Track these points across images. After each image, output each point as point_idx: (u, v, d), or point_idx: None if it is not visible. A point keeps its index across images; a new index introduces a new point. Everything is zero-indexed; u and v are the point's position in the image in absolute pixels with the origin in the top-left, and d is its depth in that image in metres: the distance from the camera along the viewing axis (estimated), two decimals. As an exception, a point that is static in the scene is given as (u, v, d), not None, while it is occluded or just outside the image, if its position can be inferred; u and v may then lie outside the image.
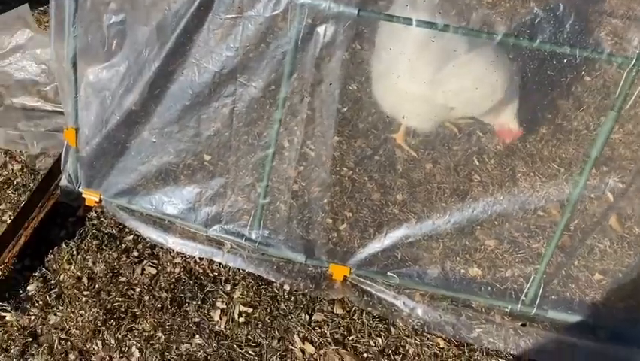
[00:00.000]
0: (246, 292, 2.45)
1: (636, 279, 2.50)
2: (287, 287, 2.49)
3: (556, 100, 3.11)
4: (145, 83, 2.31)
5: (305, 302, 2.45)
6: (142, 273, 2.50)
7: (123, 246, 2.57)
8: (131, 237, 2.60)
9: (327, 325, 2.40)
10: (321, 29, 2.02)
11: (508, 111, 2.67)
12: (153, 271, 2.50)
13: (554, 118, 3.05)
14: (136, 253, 2.55)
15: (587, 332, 2.35)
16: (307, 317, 2.41)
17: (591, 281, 2.50)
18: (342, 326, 2.39)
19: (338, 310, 2.44)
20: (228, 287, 2.47)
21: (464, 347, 2.33)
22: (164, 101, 2.36)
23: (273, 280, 2.49)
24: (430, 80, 2.53)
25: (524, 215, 2.65)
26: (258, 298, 2.45)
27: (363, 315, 2.42)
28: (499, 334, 2.35)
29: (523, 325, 2.37)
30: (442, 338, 2.36)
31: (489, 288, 2.47)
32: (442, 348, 2.34)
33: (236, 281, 2.48)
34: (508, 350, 2.31)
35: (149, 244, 2.57)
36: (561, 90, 3.10)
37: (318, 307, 2.45)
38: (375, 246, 2.48)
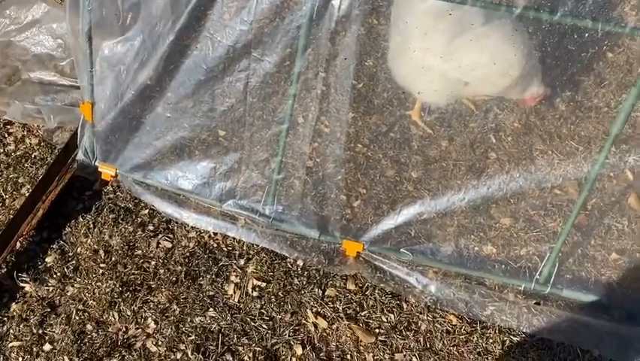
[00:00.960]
0: (259, 267, 2.47)
1: (654, 259, 2.47)
2: (300, 263, 2.50)
3: (577, 76, 3.04)
4: (159, 57, 2.31)
5: (318, 278, 2.47)
6: (157, 247, 2.53)
7: (139, 220, 2.60)
8: (146, 211, 2.63)
9: (340, 300, 2.41)
10: (336, 2, 1.99)
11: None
12: (168, 245, 2.53)
13: (574, 95, 2.99)
14: (151, 227, 2.58)
15: (602, 312, 2.34)
16: (320, 292, 2.43)
17: (607, 261, 2.47)
18: (355, 302, 2.41)
19: (351, 286, 2.45)
20: (242, 262, 2.49)
21: (477, 324, 2.34)
22: (178, 76, 2.36)
23: (287, 255, 2.51)
24: (445, 54, 2.49)
25: (541, 193, 2.62)
26: (271, 273, 2.47)
27: (376, 291, 2.43)
28: (513, 312, 2.35)
29: (537, 303, 2.36)
30: (454, 315, 2.37)
31: (503, 266, 2.45)
32: (455, 325, 2.34)
33: (250, 256, 2.51)
34: (522, 328, 2.31)
35: (164, 219, 2.60)
36: (582, 66, 3.02)
37: (330, 282, 2.46)
38: (388, 223, 2.48)
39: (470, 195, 2.51)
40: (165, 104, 2.48)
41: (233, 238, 2.54)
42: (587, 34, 1.83)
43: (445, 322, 2.35)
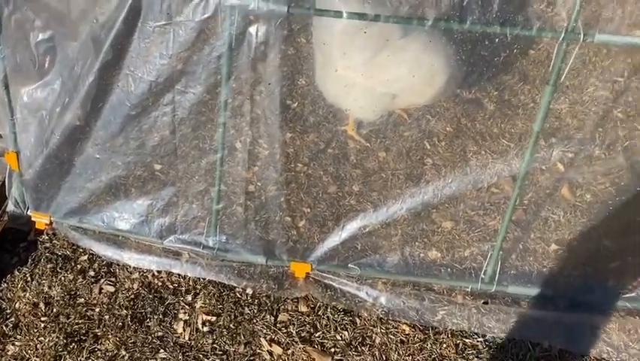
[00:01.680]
0: (208, 301, 2.43)
1: (590, 246, 2.55)
2: (249, 291, 2.47)
3: (502, 76, 3.14)
4: (81, 98, 2.25)
5: (269, 304, 2.44)
6: (100, 292, 2.45)
7: (78, 266, 2.52)
8: (85, 257, 2.55)
9: (293, 324, 2.39)
10: (253, 29, 1.99)
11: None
12: (111, 289, 2.45)
13: (501, 94, 3.08)
14: (92, 273, 2.50)
15: (548, 303, 2.40)
16: (272, 318, 2.40)
17: (548, 252, 2.54)
18: (308, 324, 2.39)
19: (303, 308, 2.44)
20: (189, 297, 2.44)
21: (429, 330, 2.36)
22: (103, 115, 2.30)
23: (235, 285, 2.47)
24: (367, 70, 2.53)
25: (478, 193, 2.68)
26: (220, 306, 2.43)
27: (328, 310, 2.43)
28: (463, 314, 2.39)
29: (485, 303, 2.41)
30: (407, 323, 2.38)
31: (449, 269, 2.49)
32: (408, 334, 2.36)
33: (198, 290, 2.46)
34: (473, 329, 2.35)
35: (104, 262, 2.52)
36: (505, 66, 3.13)
37: (282, 307, 2.44)
38: (334, 239, 2.48)
39: (410, 202, 2.54)
40: (94, 145, 2.42)
41: (179, 274, 2.49)
42: (497, 39, 1.89)
43: (398, 332, 2.36)
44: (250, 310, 2.41)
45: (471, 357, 2.29)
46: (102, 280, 2.47)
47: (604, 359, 2.29)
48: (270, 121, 2.27)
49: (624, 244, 2.55)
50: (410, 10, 1.91)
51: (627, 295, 2.41)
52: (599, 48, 3.19)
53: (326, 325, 2.39)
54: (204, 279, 2.48)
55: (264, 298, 2.45)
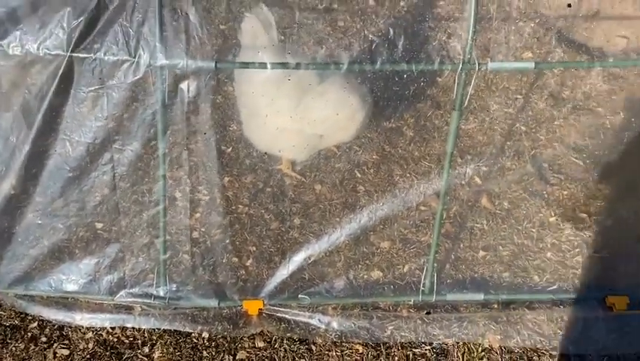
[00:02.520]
0: (165, 350, 2.46)
1: (514, 248, 2.82)
2: (205, 335, 2.53)
3: (417, 104, 3.42)
4: (18, 168, 2.29)
5: (226, 344, 2.51)
6: (54, 357, 2.43)
7: (29, 334, 2.49)
8: (35, 323, 2.52)
9: (252, 360, 2.47)
10: (184, 85, 2.13)
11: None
12: (66, 352, 2.44)
13: (417, 121, 3.36)
14: (44, 338, 2.47)
15: (483, 305, 2.62)
16: (231, 357, 2.47)
17: (477, 259, 2.78)
18: (267, 358, 2.48)
19: (260, 344, 2.52)
20: (146, 349, 2.47)
21: (381, 346, 2.51)
22: (42, 182, 2.34)
23: (191, 330, 2.52)
24: (294, 114, 2.71)
25: (409, 213, 2.90)
26: (179, 353, 2.47)
27: (284, 342, 2.52)
28: (409, 326, 2.55)
29: (428, 313, 2.59)
30: (359, 343, 2.52)
31: (392, 287, 2.67)
32: (362, 353, 2.49)
33: (154, 341, 2.49)
34: (420, 338, 2.51)
35: (56, 326, 2.51)
36: (419, 95, 3.42)
37: (239, 345, 2.51)
38: (282, 273, 2.60)
39: (348, 228, 2.71)
40: (34, 211, 2.44)
41: (133, 328, 2.51)
42: (405, 75, 2.12)
43: (352, 352, 2.49)
44: (208, 353, 2.47)
45: (421, 365, 2.46)
46: (55, 345, 2.45)
47: (538, 348, 2.52)
48: (208, 168, 2.39)
49: (542, 243, 2.84)
50: (326, 57, 2.11)
51: (551, 288, 2.67)
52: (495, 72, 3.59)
53: (283, 356, 2.48)
54: (159, 329, 2.51)
55: (220, 340, 2.52)
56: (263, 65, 2.09)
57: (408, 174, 3.09)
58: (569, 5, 2.99)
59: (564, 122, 3.33)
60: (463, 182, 3.04)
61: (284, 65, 2.09)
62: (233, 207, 2.94)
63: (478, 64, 2.07)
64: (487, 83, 3.53)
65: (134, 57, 2.08)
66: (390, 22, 2.05)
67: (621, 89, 3.48)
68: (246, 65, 2.09)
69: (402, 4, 3.66)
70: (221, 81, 3.07)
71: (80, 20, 2.05)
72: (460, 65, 2.07)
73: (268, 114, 2.57)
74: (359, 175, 3.12)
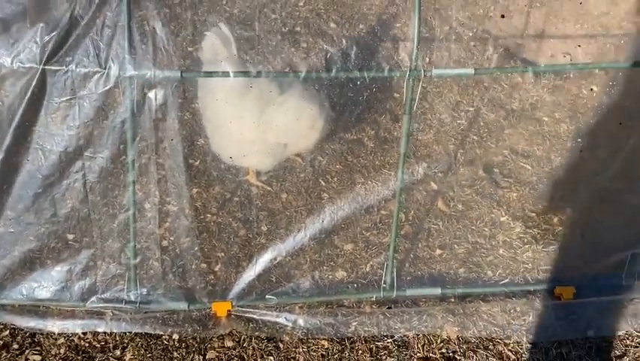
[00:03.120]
0: (136, 352, 2.53)
1: (468, 246, 2.99)
2: (176, 336, 2.61)
3: (376, 117, 3.63)
4: (-10, 178, 2.38)
5: (196, 345, 2.59)
6: (26, 363, 2.48)
7: (1, 342, 2.53)
8: (7, 332, 2.56)
9: (222, 359, 2.56)
10: (152, 94, 2.27)
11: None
12: (37, 358, 2.49)
13: (377, 133, 3.56)
14: (16, 346, 2.52)
15: (441, 299, 2.77)
16: (201, 357, 2.55)
17: (434, 257, 2.94)
18: (236, 356, 2.57)
19: (228, 343, 2.61)
20: (118, 352, 2.53)
21: (345, 341, 2.62)
22: (14, 192, 2.43)
23: (161, 333, 2.60)
24: (257, 124, 2.88)
25: (370, 217, 3.06)
26: (150, 355, 2.54)
27: (253, 340, 2.62)
28: (372, 321, 2.68)
29: (389, 308, 2.73)
30: (325, 339, 2.63)
31: (355, 285, 2.80)
32: (327, 348, 2.60)
33: (125, 344, 2.56)
34: (382, 332, 2.64)
35: (27, 334, 2.56)
36: (378, 108, 3.63)
37: (209, 345, 2.60)
38: (249, 275, 2.72)
39: (313, 232, 2.86)
40: (6, 221, 2.51)
41: (104, 332, 2.58)
42: (358, 82, 2.30)
43: (318, 348, 2.60)
44: (179, 353, 2.55)
45: (384, 358, 2.57)
46: (27, 351, 2.50)
47: (493, 338, 2.67)
48: (177, 176, 2.51)
49: (494, 241, 3.02)
50: (285, 66, 2.29)
51: (504, 282, 2.85)
52: (451, 85, 3.83)
53: (252, 354, 2.57)
54: (130, 333, 2.58)
55: (190, 341, 2.60)
56: (226, 74, 2.25)
57: (369, 182, 3.26)
58: (503, 16, 3.25)
59: (513, 130, 3.57)
60: (420, 187, 3.23)
61: (245, 74, 2.26)
62: (202, 217, 3.06)
63: (424, 71, 2.27)
64: (441, 96, 3.76)
65: (105, 68, 2.22)
66: (346, 37, 2.22)
67: (565, 100, 3.75)
68: (210, 74, 2.25)
69: (361, 26, 3.91)
70: (188, 99, 3.21)
71: (52, 35, 2.19)
72: (408, 72, 2.27)
73: (232, 126, 2.72)
74: (323, 183, 3.28)
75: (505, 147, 3.48)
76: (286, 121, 2.76)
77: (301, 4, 4.07)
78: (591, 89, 3.41)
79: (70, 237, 2.71)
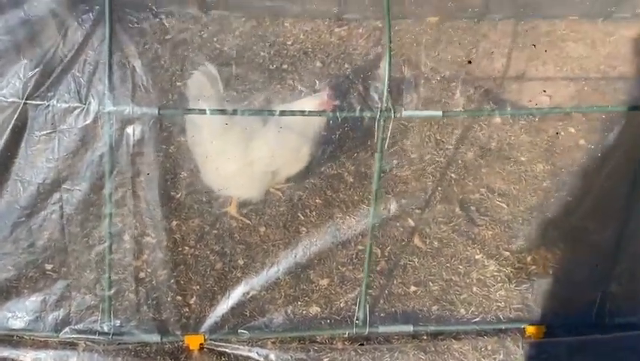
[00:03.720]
0: (108, 384, 2.54)
1: (442, 283, 3.02)
2: (148, 368, 2.62)
3: (357, 153, 3.70)
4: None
5: (168, 378, 2.60)
6: (-5, 394, 2.48)
7: (-29, 373, 2.54)
8: (-22, 362, 2.58)
9: (192, 393, 2.57)
10: (130, 130, 2.34)
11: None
12: (8, 388, 2.50)
13: (357, 168, 3.62)
14: (-14, 376, 2.53)
15: (413, 336, 2.79)
16: (172, 391, 2.56)
17: (408, 294, 2.97)
18: (207, 390, 2.58)
19: (200, 377, 2.63)
20: (89, 384, 2.54)
21: (317, 377, 2.64)
22: (-8, 221, 2.48)
23: (133, 365, 2.62)
24: (245, 156, 2.95)
25: (347, 252, 3.10)
26: (121, 386, 2.55)
27: (224, 375, 2.63)
28: (344, 358, 2.69)
29: (361, 344, 2.74)
30: (296, 375, 2.64)
31: (328, 321, 2.82)
32: (298, 384, 2.62)
33: (97, 376, 2.57)
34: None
35: (-1, 364, 2.57)
36: (359, 144, 3.71)
37: (181, 379, 2.61)
38: (222, 308, 2.74)
39: (288, 266, 2.90)
40: (-16, 251, 2.55)
41: (77, 363, 2.60)
42: (331, 121, 2.37)
43: (289, 383, 2.62)
44: (150, 386, 2.56)
45: (354, 394, 2.58)
46: (-2, 381, 2.51)
47: (464, 377, 2.69)
48: (153, 209, 2.56)
49: (468, 279, 3.06)
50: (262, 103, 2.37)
51: (476, 320, 2.87)
52: (431, 124, 3.92)
53: (223, 388, 2.59)
54: (103, 364, 2.60)
55: (162, 374, 2.61)
56: (202, 112, 2.33)
57: (347, 216, 3.31)
58: (469, 62, 3.36)
59: (490, 169, 3.64)
60: (397, 223, 3.28)
61: (222, 112, 2.34)
62: (180, 249, 3.09)
63: (394, 112, 2.35)
64: (421, 135, 3.84)
65: (85, 104, 2.29)
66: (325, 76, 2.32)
67: (541, 140, 3.84)
68: (187, 111, 2.32)
69: (346, 65, 4.02)
70: (173, 132, 3.29)
71: (35, 71, 2.27)
72: (379, 113, 2.35)
73: (222, 159, 2.80)
74: (302, 218, 3.32)
75: (482, 185, 3.54)
76: (271, 150, 2.84)
77: (289, 42, 4.20)
78: (557, 133, 3.51)
79: (47, 267, 2.74)
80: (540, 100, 4.41)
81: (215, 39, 3.95)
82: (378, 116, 2.35)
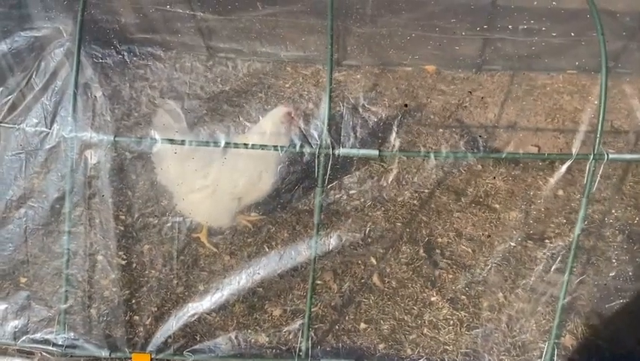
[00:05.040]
0: (55, 394, 2.68)
1: (394, 323, 3.04)
2: (96, 382, 2.74)
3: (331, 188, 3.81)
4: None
5: (112, 393, 2.71)
6: (-50, 394, 2.65)
7: None
8: (-60, 362, 2.77)
9: (132, 409, 2.66)
10: (88, 153, 2.55)
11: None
12: (-39, 390, 2.66)
13: (329, 205, 3.72)
14: (-56, 376, 2.71)
15: (355, 372, 2.81)
16: (113, 406, 2.66)
17: (358, 330, 3.00)
18: (146, 408, 2.67)
19: (142, 395, 2.72)
20: (39, 392, 2.68)
21: (252, 404, 2.68)
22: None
23: (81, 378, 2.75)
24: (210, 184, 3.11)
25: (304, 285, 3.17)
26: (66, 398, 2.67)
27: (166, 395, 2.72)
28: (283, 387, 2.74)
29: (306, 376, 2.79)
30: (234, 401, 2.70)
31: (274, 350, 2.88)
32: (234, 409, 2.67)
33: (47, 385, 2.71)
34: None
35: (-42, 366, 2.75)
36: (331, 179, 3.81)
37: (123, 395, 2.71)
38: (170, 329, 2.85)
39: (244, 293, 3.00)
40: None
41: (30, 372, 2.75)
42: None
43: (225, 408, 2.67)
44: (93, 399, 2.67)
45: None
46: (-47, 382, 2.68)
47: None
48: (107, 228, 2.75)
49: (420, 320, 3.06)
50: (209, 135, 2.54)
51: (421, 361, 2.87)
52: (410, 166, 4.00)
53: (162, 408, 2.67)
54: (53, 375, 2.74)
55: (107, 388, 2.72)
56: (153, 141, 2.52)
57: (310, 250, 3.39)
58: (405, 105, 3.44)
59: (462, 214, 3.66)
60: (359, 261, 3.34)
61: (171, 141, 2.52)
62: (147, 272, 3.24)
63: (332, 148, 2.47)
64: (397, 178, 3.92)
65: (50, 129, 2.53)
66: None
67: (518, 189, 3.84)
68: (139, 139, 2.52)
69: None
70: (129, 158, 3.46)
71: (9, 97, 2.53)
72: (317, 149, 2.48)
73: (188, 189, 2.97)
74: (267, 250, 3.43)
75: (451, 229, 3.57)
76: (235, 178, 2.99)
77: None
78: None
79: (12, 278, 2.95)
80: (529, 149, 4.44)
81: (175, 75, 4.18)
82: (317, 151, 2.48)
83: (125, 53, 2.87)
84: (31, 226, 2.68)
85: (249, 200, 3.35)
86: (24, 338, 2.80)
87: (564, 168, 2.73)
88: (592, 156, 2.61)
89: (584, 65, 4.81)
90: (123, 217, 3.28)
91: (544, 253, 3.30)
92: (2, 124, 2.54)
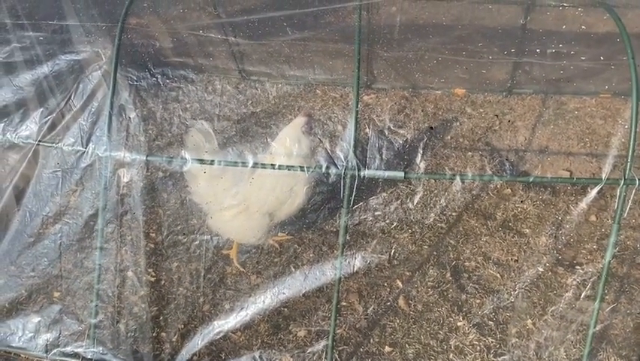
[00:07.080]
0: (83, 407, 2.73)
1: (419, 347, 3.00)
2: (121, 397, 2.79)
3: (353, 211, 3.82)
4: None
5: (137, 408, 2.75)
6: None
7: (-32, 381, 2.82)
8: (-25, 372, 2.86)
9: None
10: (121, 172, 2.63)
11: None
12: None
13: (357, 227, 3.73)
14: (-21, 387, 2.80)
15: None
16: (138, 421, 2.70)
17: (382, 353, 2.98)
18: None
19: (167, 411, 2.75)
20: (68, 404, 2.74)
21: None
22: (3, 246, 2.82)
23: (109, 392, 2.80)
24: (243, 201, 3.17)
25: (329, 306, 3.17)
26: (93, 411, 2.72)
27: (190, 412, 2.74)
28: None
29: (324, 397, 2.77)
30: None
31: (297, 371, 2.89)
32: None
33: (75, 398, 2.77)
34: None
35: (-7, 376, 2.84)
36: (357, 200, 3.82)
37: (149, 411, 2.75)
38: (196, 347, 2.88)
39: (269, 314, 3.01)
40: (-4, 272, 2.89)
41: (61, 384, 2.81)
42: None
43: None
44: (118, 414, 2.71)
45: None
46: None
47: None
48: (137, 245, 2.82)
49: (446, 345, 3.01)
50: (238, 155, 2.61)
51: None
52: (438, 189, 3.98)
53: None
54: (83, 387, 2.80)
55: (133, 404, 2.77)
56: (184, 160, 2.59)
57: (335, 272, 3.39)
58: (431, 128, 3.43)
59: (490, 238, 3.62)
60: (384, 283, 3.32)
61: (200, 161, 2.59)
62: (175, 289, 3.30)
63: (358, 169, 2.49)
64: (424, 200, 3.91)
65: (86, 148, 2.63)
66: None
67: (549, 214, 3.78)
68: (170, 158, 2.59)
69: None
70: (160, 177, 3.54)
71: (49, 118, 2.64)
72: (343, 170, 2.50)
73: (221, 207, 3.03)
74: (293, 270, 3.45)
75: (479, 253, 3.53)
76: (265, 195, 3.03)
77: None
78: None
79: (46, 292, 3.04)
80: (560, 174, 4.37)
81: (206, 97, 4.28)
82: (342, 172, 2.51)
83: (159, 76, 2.98)
84: (66, 242, 2.77)
85: (281, 216, 3.38)
86: (55, 350, 2.87)
87: (593, 192, 2.68)
88: (622, 181, 2.55)
89: (614, 89, 4.75)
90: (153, 235, 3.36)
91: (575, 280, 3.24)
92: (42, 143, 2.66)
